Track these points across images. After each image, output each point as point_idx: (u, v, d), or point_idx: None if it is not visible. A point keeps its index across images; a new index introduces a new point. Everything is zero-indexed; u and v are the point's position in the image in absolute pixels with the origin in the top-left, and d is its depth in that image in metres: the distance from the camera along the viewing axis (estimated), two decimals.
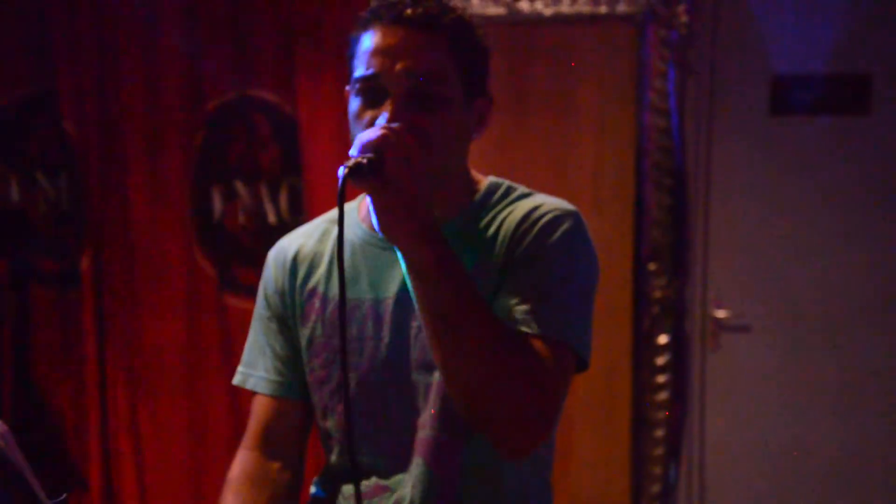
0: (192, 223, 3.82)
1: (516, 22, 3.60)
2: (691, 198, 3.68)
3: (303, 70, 3.64)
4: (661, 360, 3.65)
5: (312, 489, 1.82)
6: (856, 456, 3.66)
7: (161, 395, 3.86)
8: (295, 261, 1.78)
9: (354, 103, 1.60)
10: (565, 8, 3.59)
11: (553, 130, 3.63)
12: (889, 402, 3.66)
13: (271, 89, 3.73)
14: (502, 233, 1.64)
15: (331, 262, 1.75)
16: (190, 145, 3.80)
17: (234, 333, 3.78)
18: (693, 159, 3.68)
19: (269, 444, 1.78)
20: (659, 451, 3.67)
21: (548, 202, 1.66)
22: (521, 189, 1.72)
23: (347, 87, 1.64)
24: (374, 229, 1.70)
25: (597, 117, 3.61)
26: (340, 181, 1.41)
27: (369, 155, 1.44)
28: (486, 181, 1.73)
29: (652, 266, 3.63)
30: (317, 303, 1.74)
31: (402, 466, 1.66)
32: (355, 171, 1.42)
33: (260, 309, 1.82)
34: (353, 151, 1.46)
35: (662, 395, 3.66)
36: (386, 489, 1.67)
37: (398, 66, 1.55)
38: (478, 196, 1.70)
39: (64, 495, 1.22)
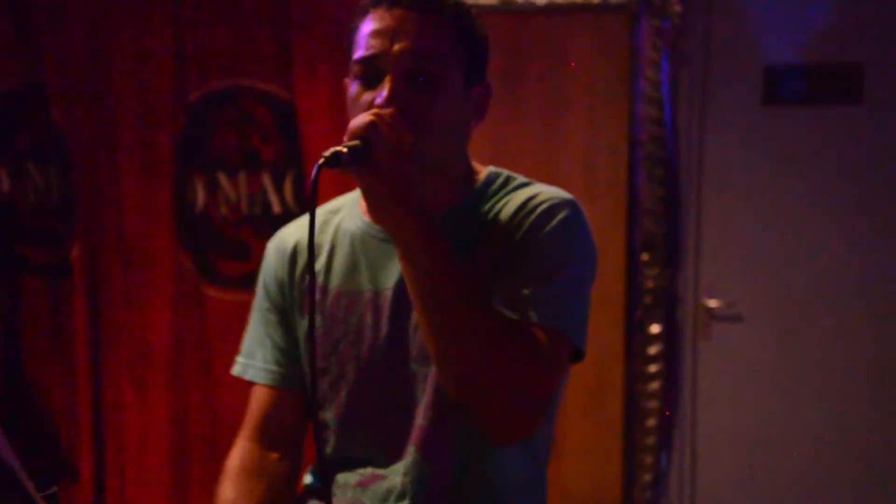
0: (172, 214, 3.81)
1: (509, 11, 3.59)
2: (684, 188, 3.68)
3: (300, 61, 3.64)
4: (653, 350, 3.66)
5: (307, 479, 1.82)
6: (847, 443, 3.67)
7: (152, 386, 3.85)
8: (294, 251, 1.78)
9: (353, 87, 1.60)
10: None
11: (546, 120, 3.63)
12: (880, 390, 3.67)
13: (270, 80, 3.71)
14: (500, 221, 1.63)
15: (330, 253, 1.74)
16: (173, 136, 3.78)
17: (213, 324, 3.77)
18: (686, 149, 3.68)
19: (267, 435, 1.78)
20: (651, 440, 3.68)
21: (546, 191, 1.66)
22: (520, 178, 1.72)
23: (346, 79, 1.63)
24: (373, 220, 1.69)
25: (589, 107, 3.61)
26: (315, 171, 1.41)
27: (355, 142, 1.43)
28: (485, 171, 1.72)
29: (644, 256, 3.63)
30: (316, 294, 1.73)
31: (398, 456, 1.66)
32: (331, 160, 1.42)
33: (259, 299, 1.82)
34: (345, 138, 1.46)
35: (654, 385, 3.67)
36: (380, 478, 1.68)
37: (396, 47, 1.55)
38: (477, 185, 1.69)
39: (54, 488, 1.22)
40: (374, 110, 1.49)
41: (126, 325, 3.84)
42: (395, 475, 1.66)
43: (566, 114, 3.62)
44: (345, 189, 1.83)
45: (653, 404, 3.67)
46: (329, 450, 1.74)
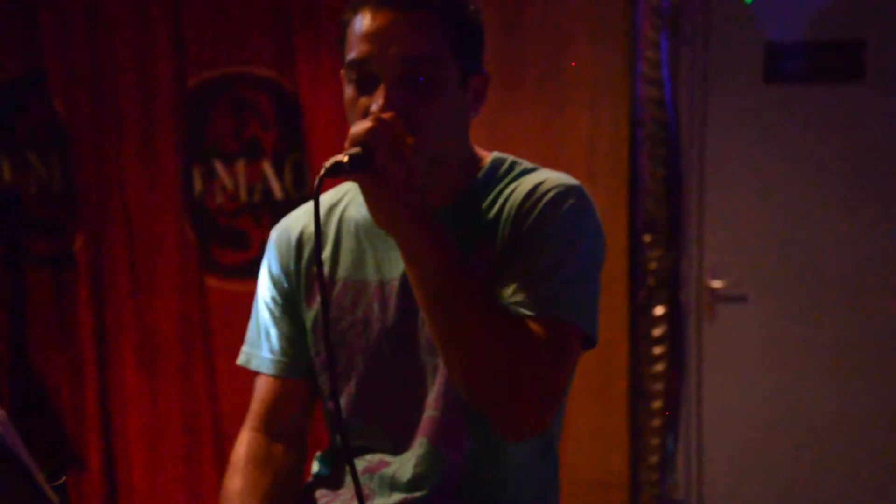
0: (178, 203, 3.80)
1: None
2: (686, 168, 3.67)
3: (303, 49, 3.62)
4: (657, 332, 3.65)
5: (315, 467, 1.82)
6: (852, 423, 3.67)
7: (158, 373, 3.85)
8: (299, 241, 1.77)
9: (348, 90, 1.59)
10: None
11: (546, 103, 3.61)
12: (884, 369, 3.66)
13: (271, 67, 3.70)
14: (507, 209, 1.62)
15: (335, 243, 1.73)
16: (176, 124, 3.78)
17: (213, 314, 3.78)
18: (687, 129, 3.67)
19: (272, 425, 1.77)
20: (657, 422, 3.67)
21: (552, 177, 1.64)
22: (525, 164, 1.70)
23: (342, 70, 1.62)
24: (377, 224, 1.69)
25: (589, 89, 3.60)
26: (317, 181, 1.41)
27: (356, 149, 1.43)
28: (489, 157, 1.71)
29: (647, 237, 3.62)
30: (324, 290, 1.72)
31: (407, 446, 1.66)
32: (333, 170, 1.42)
33: (263, 288, 1.81)
34: (346, 144, 1.45)
35: (659, 367, 3.66)
36: (387, 464, 1.67)
37: (390, 51, 1.53)
38: (481, 173, 1.68)
39: (63, 478, 1.22)
40: (375, 115, 1.48)
41: (131, 314, 3.84)
42: (405, 464, 1.66)
43: (566, 96, 3.60)
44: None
45: (658, 386, 3.66)
46: (339, 439, 1.74)
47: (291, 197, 3.73)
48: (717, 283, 3.70)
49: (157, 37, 3.73)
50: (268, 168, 3.76)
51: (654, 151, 3.60)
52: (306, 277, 1.75)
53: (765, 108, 3.66)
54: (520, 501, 1.68)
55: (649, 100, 3.58)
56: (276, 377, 1.77)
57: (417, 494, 1.64)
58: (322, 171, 1.42)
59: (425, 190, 1.48)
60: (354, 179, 1.46)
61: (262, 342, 1.79)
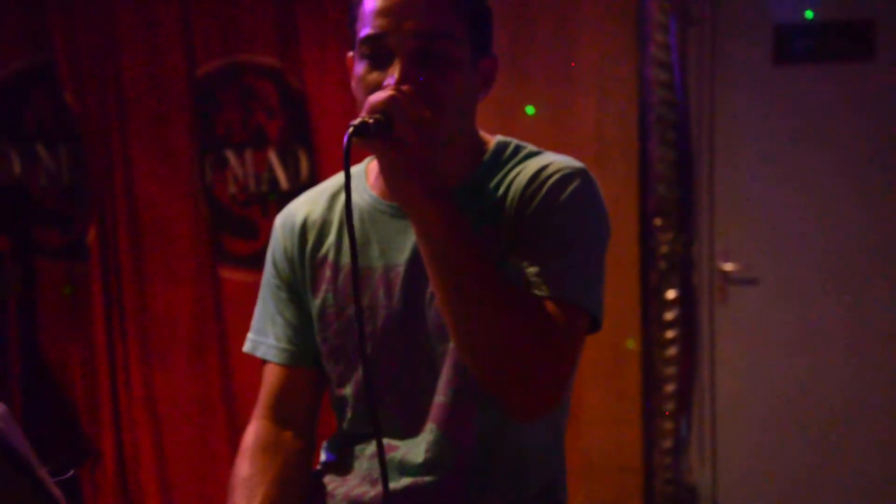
0: (191, 194, 3.80)
1: None
2: (696, 151, 3.66)
3: (308, 39, 3.62)
4: (669, 315, 3.64)
5: (323, 455, 1.82)
6: (865, 405, 3.66)
7: (171, 364, 3.86)
8: (304, 228, 1.76)
9: (360, 66, 1.57)
10: None
11: (555, 87, 3.60)
12: None
13: (276, 56, 3.70)
14: (511, 193, 1.61)
15: (340, 230, 1.72)
16: (187, 113, 3.78)
17: (226, 304, 3.78)
18: (696, 112, 3.66)
19: (281, 413, 1.77)
20: (670, 406, 3.66)
21: (556, 160, 1.63)
22: (530, 147, 1.70)
23: (350, 53, 1.61)
24: (383, 196, 1.68)
25: (598, 72, 3.58)
26: (346, 139, 1.40)
27: (377, 116, 1.42)
28: (493, 141, 1.70)
29: (658, 221, 3.61)
30: (328, 271, 1.72)
31: (416, 431, 1.66)
32: (360, 129, 1.41)
33: (268, 276, 1.80)
34: (362, 114, 1.45)
35: (672, 350, 3.65)
36: (395, 448, 1.67)
37: (405, 26, 1.52)
38: (486, 157, 1.68)
39: (71, 472, 1.21)
40: (393, 85, 1.48)
41: (143, 305, 3.84)
42: (413, 448, 1.66)
43: (575, 79, 3.59)
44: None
45: (670, 370, 3.65)
46: (346, 425, 1.74)
47: (297, 186, 3.72)
48: (728, 266, 3.69)
49: (165, 27, 3.73)
50: (273, 157, 3.76)
51: (664, 135, 3.59)
52: (311, 265, 1.74)
53: (774, 90, 3.64)
54: (529, 486, 1.68)
55: (658, 83, 3.57)
56: (283, 365, 1.77)
57: (427, 479, 1.64)
58: (350, 129, 1.40)
59: (441, 170, 1.47)
60: (373, 148, 1.44)
61: (269, 330, 1.79)
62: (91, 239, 3.85)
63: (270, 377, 1.79)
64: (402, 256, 1.65)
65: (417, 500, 1.64)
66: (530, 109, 3.32)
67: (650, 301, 3.64)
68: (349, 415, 1.73)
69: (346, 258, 1.70)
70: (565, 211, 1.58)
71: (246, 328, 1.85)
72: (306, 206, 1.78)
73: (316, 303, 1.73)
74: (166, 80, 3.76)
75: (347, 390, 1.71)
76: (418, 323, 1.64)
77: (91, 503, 3.94)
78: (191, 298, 3.83)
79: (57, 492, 1.17)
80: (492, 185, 1.64)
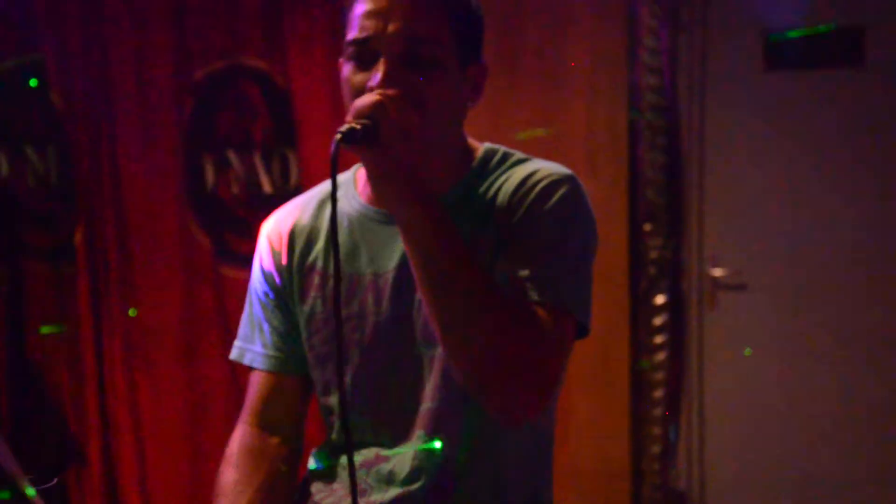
0: (187, 194, 3.80)
1: None
2: (685, 157, 3.66)
3: (294, 40, 3.62)
4: (658, 321, 3.64)
5: (311, 463, 1.81)
6: (853, 411, 3.66)
7: (159, 368, 3.85)
8: (292, 235, 1.75)
9: (347, 68, 1.58)
10: None
11: (544, 92, 3.60)
12: (886, 358, 3.65)
13: (262, 58, 3.70)
14: (499, 200, 1.61)
15: (329, 237, 1.72)
16: (180, 115, 3.77)
17: (230, 303, 3.77)
18: (686, 117, 3.66)
19: (267, 420, 1.77)
20: (658, 411, 3.67)
21: (544, 167, 1.63)
22: (518, 155, 1.70)
23: (342, 58, 1.61)
24: (371, 202, 1.68)
25: (588, 77, 3.58)
26: (333, 146, 1.40)
27: (363, 121, 1.42)
28: (482, 148, 1.70)
29: (647, 227, 3.61)
30: (316, 279, 1.71)
31: (404, 439, 1.65)
32: (348, 135, 1.41)
33: (255, 283, 1.79)
34: (348, 118, 1.44)
35: (660, 356, 3.65)
36: (384, 459, 1.67)
37: (390, 28, 1.52)
38: (474, 164, 1.67)
39: (54, 480, 1.20)
40: (380, 90, 1.47)
41: (131, 307, 3.83)
42: (402, 458, 1.65)
43: (565, 84, 3.59)
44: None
45: (659, 375, 3.65)
46: (334, 434, 1.73)
47: (284, 191, 3.71)
48: (717, 272, 3.69)
49: (155, 28, 3.73)
50: (257, 161, 3.76)
51: (654, 140, 3.59)
52: (299, 272, 1.73)
53: (764, 96, 3.65)
54: (517, 493, 1.68)
55: (648, 88, 3.57)
56: (270, 372, 1.76)
57: (414, 487, 1.64)
58: (337, 136, 1.40)
59: (427, 172, 1.47)
60: (360, 153, 1.44)
61: (256, 336, 1.78)
62: (78, 240, 3.84)
63: (257, 384, 1.78)
64: (391, 263, 1.64)
65: None
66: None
67: (639, 306, 3.64)
68: (336, 423, 1.72)
69: (333, 265, 1.70)
70: (552, 217, 1.57)
71: None
72: (294, 213, 1.78)
73: (304, 310, 1.72)
74: (155, 81, 3.75)
75: (333, 399, 1.71)
76: (407, 329, 1.64)
77: None
78: (179, 301, 3.82)
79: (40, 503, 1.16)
80: (479, 191, 1.64)
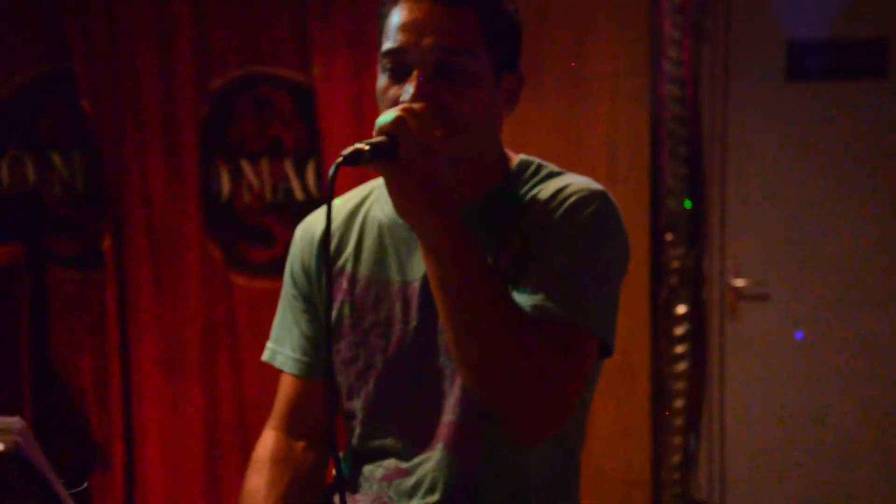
0: (199, 203, 3.82)
1: None
2: (707, 167, 3.66)
3: (318, 47, 3.64)
4: (679, 331, 3.64)
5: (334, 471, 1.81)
6: (875, 424, 3.65)
7: (184, 374, 3.87)
8: (322, 239, 1.75)
9: (381, 79, 1.58)
10: None
11: (567, 101, 3.61)
12: None
13: (290, 66, 3.72)
14: (529, 212, 1.60)
15: (359, 242, 1.72)
16: (198, 123, 3.80)
17: (241, 312, 3.79)
18: (709, 128, 3.66)
19: (294, 424, 1.77)
20: (679, 421, 3.66)
21: (577, 182, 1.62)
22: (551, 167, 1.69)
23: (378, 68, 1.62)
24: (399, 216, 1.69)
25: (611, 87, 3.59)
26: (332, 169, 1.40)
27: (380, 139, 1.42)
28: (516, 159, 1.69)
29: (669, 236, 3.61)
30: (344, 283, 1.72)
31: (424, 450, 1.65)
32: (351, 158, 1.40)
33: (287, 286, 1.80)
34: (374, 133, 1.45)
35: (681, 366, 3.65)
36: (405, 473, 1.66)
37: (425, 41, 1.52)
38: (509, 174, 1.67)
39: (85, 484, 1.22)
40: (404, 105, 1.47)
41: (157, 314, 3.85)
42: (422, 470, 1.65)
43: (588, 94, 3.60)
44: (364, 179, 1.81)
45: (680, 385, 3.65)
46: (355, 440, 1.73)
47: (312, 196, 3.74)
48: (739, 282, 3.69)
49: (179, 36, 3.75)
50: (289, 167, 3.78)
51: (676, 150, 3.59)
52: (327, 278, 1.75)
53: (787, 107, 3.64)
54: None
55: (671, 98, 3.57)
56: (298, 376, 1.77)
57: (432, 500, 1.63)
58: (339, 159, 1.40)
59: (454, 186, 1.46)
60: (376, 168, 1.44)
61: (285, 339, 1.79)
62: (106, 247, 3.86)
63: (285, 388, 1.79)
64: (419, 272, 1.64)
65: None
66: None
67: (660, 316, 3.64)
68: (358, 429, 1.72)
69: (363, 270, 1.71)
70: (581, 232, 1.56)
71: (262, 336, 1.86)
72: (326, 217, 1.79)
73: (331, 314, 1.72)
74: (181, 89, 3.78)
75: (356, 403, 1.71)
76: (431, 340, 1.63)
77: None
78: (203, 307, 3.84)
79: None
80: (510, 202, 1.64)
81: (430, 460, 1.64)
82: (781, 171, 3.65)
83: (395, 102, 1.52)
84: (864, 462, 3.65)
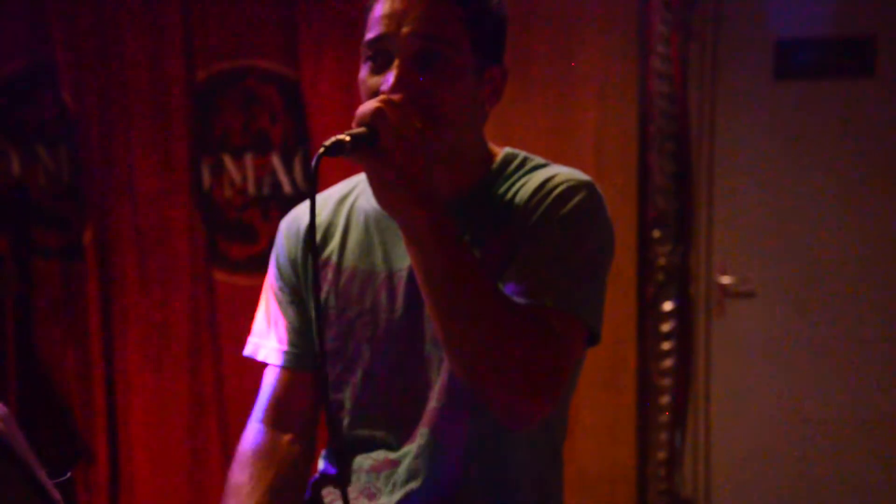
0: (187, 197, 3.81)
1: None
2: (695, 164, 3.66)
3: (306, 40, 3.63)
4: (666, 327, 3.65)
5: (321, 464, 1.82)
6: (860, 420, 3.66)
7: (165, 367, 3.86)
8: (307, 231, 1.76)
9: (363, 69, 1.58)
10: None
11: (555, 97, 3.61)
12: (893, 366, 3.65)
13: (278, 59, 3.70)
14: (516, 203, 1.61)
15: (345, 233, 1.73)
16: (186, 116, 3.78)
17: (222, 308, 3.78)
18: (697, 125, 3.66)
19: (280, 417, 1.77)
20: (664, 417, 3.67)
21: (563, 172, 1.63)
22: (537, 160, 1.70)
23: (360, 60, 1.62)
24: (380, 206, 1.69)
25: (599, 83, 3.59)
26: (315, 159, 1.41)
27: (360, 129, 1.42)
28: (501, 152, 1.70)
29: (656, 233, 3.62)
30: (329, 273, 1.72)
31: (410, 437, 1.66)
32: (332, 149, 1.40)
33: (271, 279, 1.80)
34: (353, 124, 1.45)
35: (668, 362, 3.65)
36: (394, 463, 1.67)
37: (405, 30, 1.52)
38: (493, 167, 1.68)
39: (68, 474, 1.21)
40: (383, 96, 1.47)
41: (139, 307, 3.84)
42: (409, 458, 1.65)
43: (576, 91, 3.60)
44: (350, 173, 1.81)
45: (666, 382, 3.66)
46: (343, 431, 1.73)
47: (300, 190, 3.73)
48: (725, 279, 3.70)
49: (166, 29, 3.73)
50: (276, 162, 3.76)
51: (664, 147, 3.59)
52: (313, 268, 1.75)
53: (774, 104, 3.65)
54: (523, 496, 1.68)
55: (659, 95, 3.57)
56: (284, 368, 1.77)
57: (416, 485, 1.64)
58: (321, 150, 1.40)
59: (438, 178, 1.46)
60: (356, 159, 1.44)
61: (271, 332, 1.79)
62: (87, 240, 3.85)
63: (271, 380, 1.79)
64: (405, 261, 1.64)
65: None
66: None
67: (647, 312, 3.65)
68: (346, 420, 1.72)
69: (348, 261, 1.71)
70: (568, 222, 1.57)
71: (242, 332, 1.85)
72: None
73: (320, 302, 1.73)
74: (166, 82, 3.76)
75: (344, 394, 1.71)
76: (417, 329, 1.64)
77: None
78: (187, 302, 3.83)
79: (56, 494, 1.18)
80: (497, 194, 1.64)
81: (416, 447, 1.65)
82: (768, 168, 3.66)
83: (375, 92, 1.52)
84: (849, 459, 3.66)
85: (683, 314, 3.67)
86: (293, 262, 1.77)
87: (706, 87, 3.66)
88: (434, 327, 1.57)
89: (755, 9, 3.63)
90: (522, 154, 1.71)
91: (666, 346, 3.65)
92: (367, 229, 1.71)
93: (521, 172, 1.67)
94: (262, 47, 3.72)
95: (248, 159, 3.78)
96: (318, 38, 3.61)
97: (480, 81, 1.60)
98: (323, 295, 1.72)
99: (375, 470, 1.68)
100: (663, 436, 3.67)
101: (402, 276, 1.66)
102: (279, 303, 1.78)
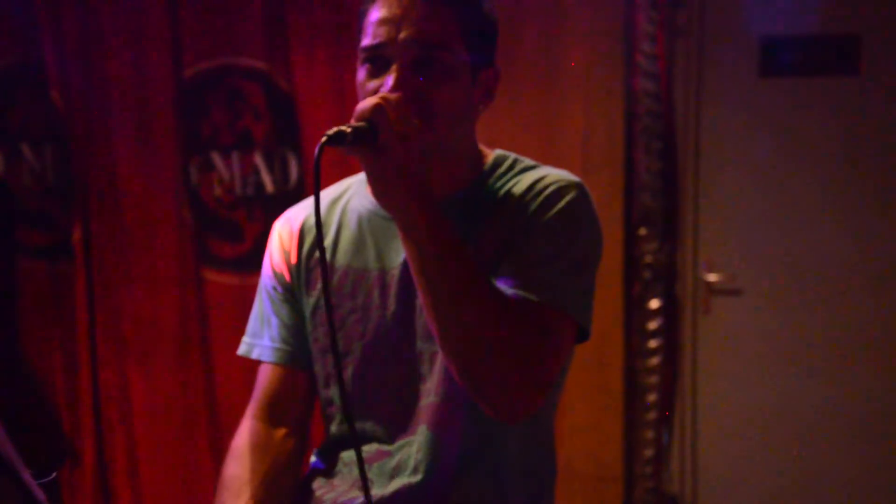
0: (176, 196, 3.79)
1: None
2: (681, 161, 3.67)
3: (297, 42, 3.62)
4: (652, 325, 3.65)
5: (312, 460, 1.84)
6: (847, 417, 3.67)
7: (153, 367, 3.85)
8: (302, 231, 1.80)
9: (361, 73, 1.61)
10: None
11: (541, 95, 3.61)
12: (879, 363, 3.66)
13: (263, 59, 3.69)
14: (507, 204, 1.65)
15: (337, 232, 1.76)
16: (174, 114, 3.77)
17: (209, 307, 3.77)
18: (682, 122, 3.67)
19: (274, 413, 1.80)
20: (651, 415, 3.67)
21: (553, 173, 1.68)
22: (527, 161, 1.74)
23: (358, 64, 1.64)
24: (377, 202, 1.71)
25: (585, 81, 3.59)
26: (318, 148, 1.43)
27: (359, 123, 1.45)
28: (492, 154, 1.74)
29: (642, 231, 3.62)
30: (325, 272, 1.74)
31: (405, 433, 1.68)
32: (334, 138, 1.43)
33: (265, 278, 1.83)
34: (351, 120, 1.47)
35: (654, 360, 3.66)
36: (387, 454, 1.70)
37: (402, 35, 1.56)
38: (484, 168, 1.71)
39: (53, 475, 1.21)
40: (382, 94, 1.51)
41: (127, 306, 3.83)
42: (405, 452, 1.68)
43: (562, 89, 3.60)
44: (346, 171, 1.84)
45: (653, 379, 3.66)
46: (335, 427, 1.77)
47: (282, 190, 3.71)
48: (712, 277, 3.71)
49: (152, 27, 3.72)
50: (259, 160, 3.75)
51: (650, 145, 3.60)
52: (306, 265, 1.78)
53: (760, 102, 3.66)
54: (516, 491, 1.70)
55: (645, 93, 3.58)
56: (278, 365, 1.80)
57: (414, 480, 1.66)
58: (324, 139, 1.43)
59: (429, 177, 1.50)
60: (355, 153, 1.47)
61: (264, 331, 1.82)
62: (76, 239, 3.84)
63: (265, 377, 1.82)
64: (398, 260, 1.68)
65: (404, 502, 1.66)
66: None
67: (633, 310, 3.65)
68: (336, 416, 1.75)
69: (341, 259, 1.74)
70: (558, 222, 1.61)
71: (231, 330, 1.86)
72: (306, 209, 1.83)
73: (309, 302, 1.76)
74: (153, 81, 3.75)
75: (332, 390, 1.74)
76: (409, 325, 1.67)
77: None
78: (175, 301, 3.82)
79: (41, 494, 1.17)
80: (488, 195, 1.68)
81: (413, 442, 1.67)
82: (754, 166, 3.67)
83: (374, 94, 1.55)
84: (835, 455, 3.67)
85: (670, 312, 3.68)
86: (286, 262, 1.80)
87: (691, 84, 3.67)
88: (426, 322, 1.59)
89: (740, 7, 3.64)
90: (513, 156, 1.75)
91: (652, 343, 3.66)
92: (359, 229, 1.74)
93: (511, 173, 1.70)
94: (245, 45, 3.71)
95: (235, 157, 3.77)
96: (309, 41, 3.61)
97: (474, 83, 1.64)
98: (315, 293, 1.75)
99: (368, 462, 1.69)
100: (650, 433, 3.68)
101: (395, 274, 1.68)
102: (272, 301, 1.81)
